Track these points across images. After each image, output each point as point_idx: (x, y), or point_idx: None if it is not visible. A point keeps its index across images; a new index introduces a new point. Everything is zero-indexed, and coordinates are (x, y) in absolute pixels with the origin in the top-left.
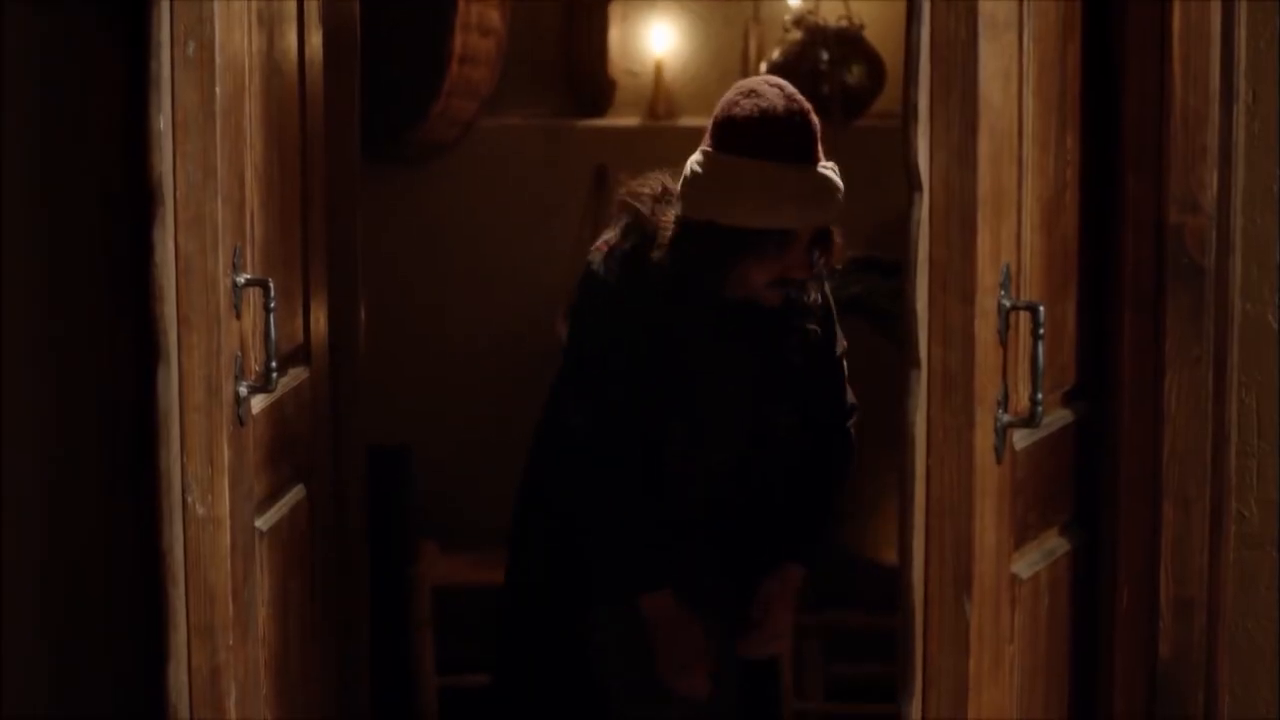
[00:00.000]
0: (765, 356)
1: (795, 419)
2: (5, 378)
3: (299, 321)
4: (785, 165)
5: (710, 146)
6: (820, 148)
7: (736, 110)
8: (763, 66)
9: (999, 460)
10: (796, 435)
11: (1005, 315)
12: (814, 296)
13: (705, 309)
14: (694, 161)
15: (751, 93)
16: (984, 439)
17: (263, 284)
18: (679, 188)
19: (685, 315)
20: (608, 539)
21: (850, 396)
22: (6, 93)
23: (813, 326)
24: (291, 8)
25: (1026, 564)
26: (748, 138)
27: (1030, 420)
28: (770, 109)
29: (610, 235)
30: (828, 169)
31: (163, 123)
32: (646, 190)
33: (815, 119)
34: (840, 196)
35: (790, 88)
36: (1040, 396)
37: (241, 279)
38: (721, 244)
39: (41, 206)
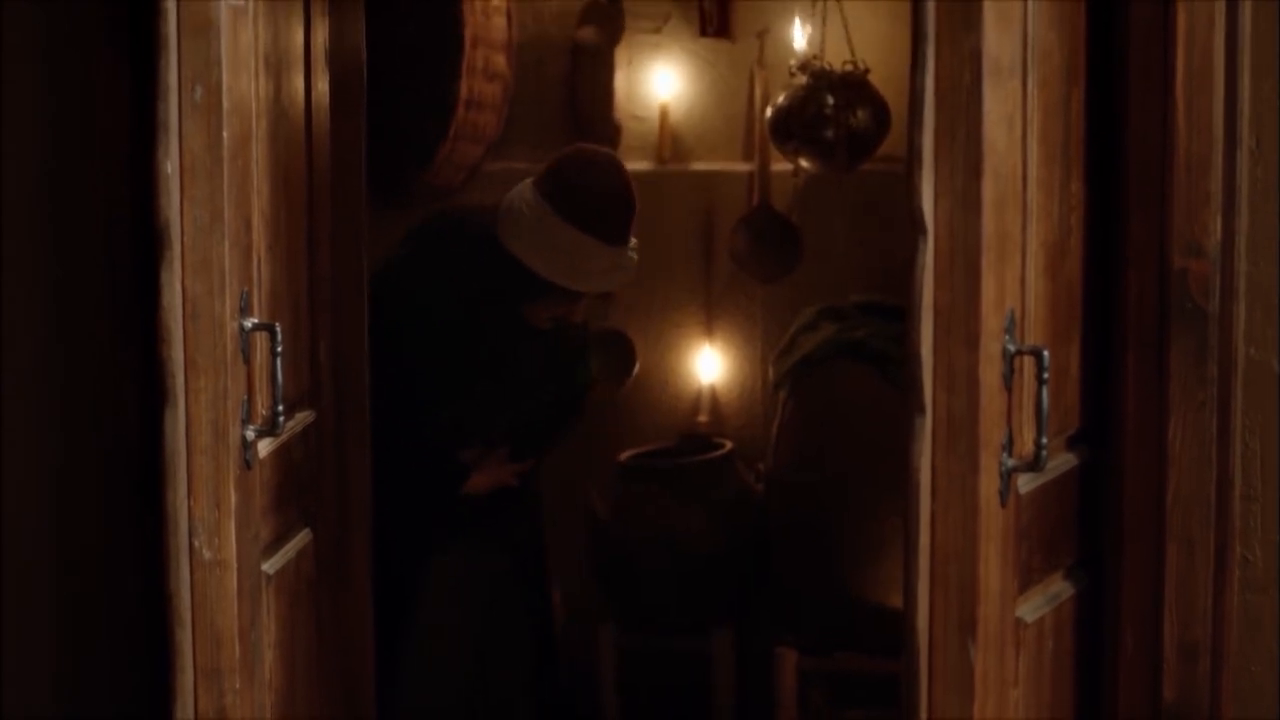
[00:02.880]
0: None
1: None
2: (12, 419)
3: (306, 365)
4: (603, 243)
5: (541, 194)
6: (633, 229)
7: (576, 179)
8: (768, 111)
9: (1003, 504)
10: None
11: (1009, 360)
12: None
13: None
14: (522, 200)
15: (593, 166)
16: (988, 483)
17: (269, 328)
18: (501, 214)
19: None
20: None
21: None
22: (15, 136)
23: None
24: (298, 52)
25: (1031, 608)
26: (578, 209)
27: (1034, 464)
28: (605, 192)
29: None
30: (633, 249)
31: (170, 167)
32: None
33: (637, 203)
34: (633, 271)
35: (624, 169)
36: (1045, 441)
37: (249, 323)
38: (522, 276)
39: (49, 249)
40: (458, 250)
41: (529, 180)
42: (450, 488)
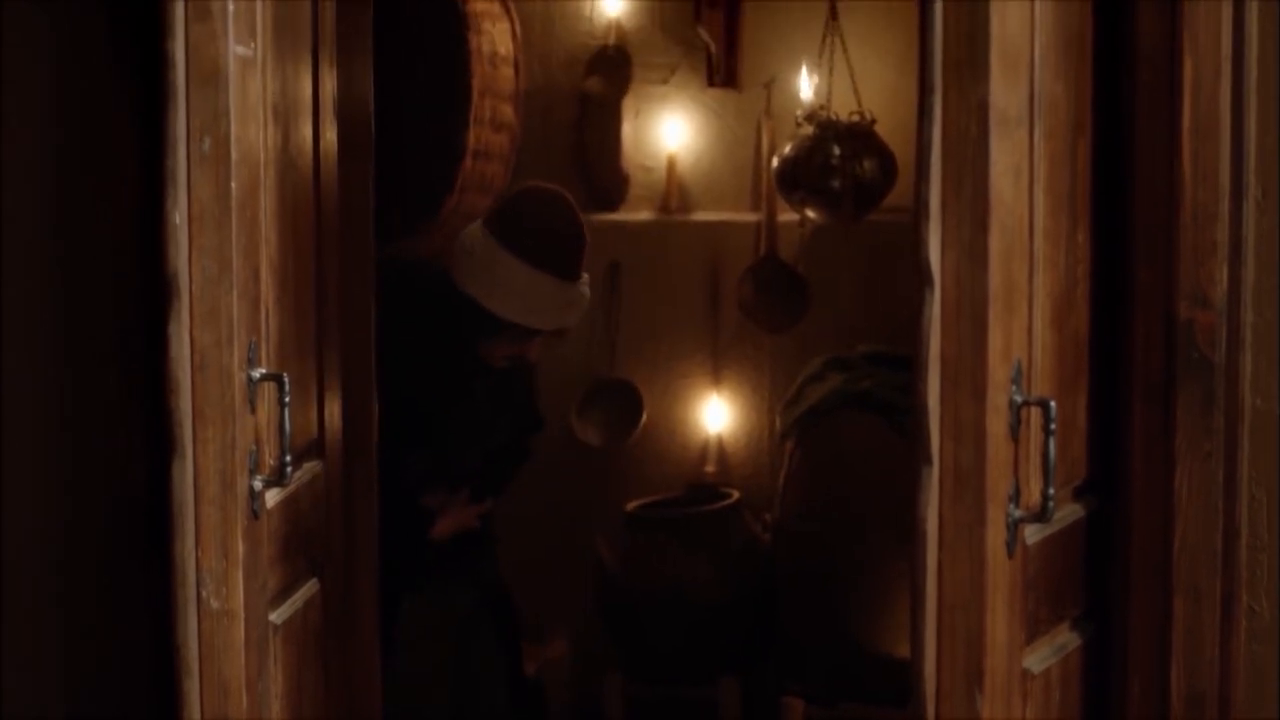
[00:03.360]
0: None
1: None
2: (20, 469)
3: (313, 415)
4: (556, 279)
5: (491, 233)
6: (584, 263)
7: (526, 216)
8: (775, 161)
9: (1010, 555)
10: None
11: (1016, 410)
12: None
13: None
14: (474, 240)
15: (542, 204)
16: (995, 534)
17: (277, 378)
18: (454, 255)
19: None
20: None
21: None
22: (24, 185)
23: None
24: (307, 102)
25: (1038, 658)
26: (529, 246)
27: (1041, 515)
28: (555, 228)
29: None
30: (584, 284)
31: (178, 217)
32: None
33: (588, 237)
34: (586, 306)
35: (574, 206)
36: (1051, 492)
37: (256, 373)
38: (477, 316)
39: (58, 298)
40: (410, 296)
41: (479, 220)
42: (417, 534)
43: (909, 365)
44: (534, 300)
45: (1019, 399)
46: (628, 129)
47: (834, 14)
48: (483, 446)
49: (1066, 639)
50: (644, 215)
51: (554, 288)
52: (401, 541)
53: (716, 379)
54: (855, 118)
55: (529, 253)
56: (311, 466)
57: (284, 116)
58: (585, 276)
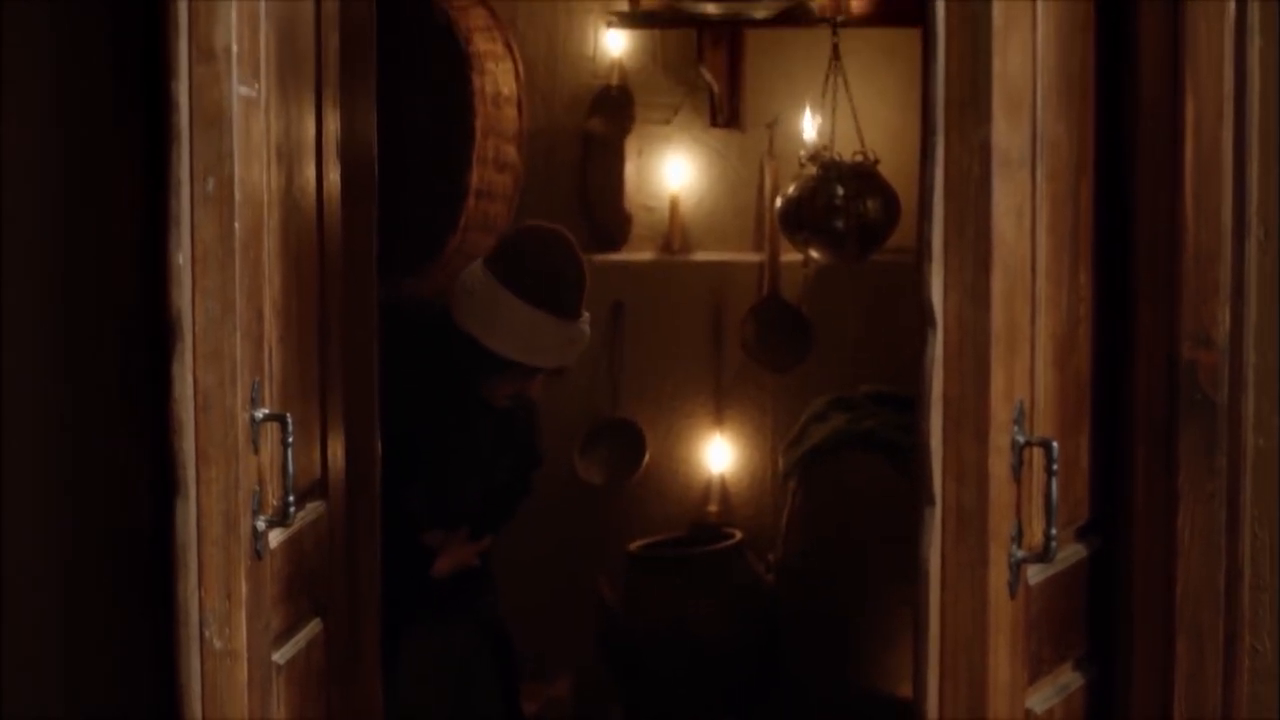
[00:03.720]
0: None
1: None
2: (23, 509)
3: (316, 455)
4: (556, 318)
5: (492, 272)
6: (584, 302)
7: (527, 256)
8: (778, 201)
9: (1013, 596)
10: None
11: (1019, 451)
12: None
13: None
14: (474, 279)
15: (542, 243)
16: (998, 575)
17: (281, 419)
18: (455, 295)
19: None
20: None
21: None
22: (26, 227)
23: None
24: (310, 143)
25: (1041, 699)
26: (529, 285)
27: (1044, 556)
28: (556, 267)
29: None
30: (584, 322)
31: (182, 258)
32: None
33: (587, 277)
34: (586, 344)
35: (574, 245)
36: (1054, 532)
37: (260, 414)
38: (478, 355)
39: (60, 339)
40: (414, 338)
41: (480, 260)
42: (417, 571)
43: (912, 405)
44: (534, 339)
45: (1021, 439)
46: (630, 169)
47: (836, 54)
48: (483, 484)
49: (1069, 679)
50: (647, 255)
51: (554, 326)
52: (401, 579)
53: (719, 419)
54: (858, 158)
55: (529, 292)
56: (315, 507)
57: (287, 157)
58: (586, 315)
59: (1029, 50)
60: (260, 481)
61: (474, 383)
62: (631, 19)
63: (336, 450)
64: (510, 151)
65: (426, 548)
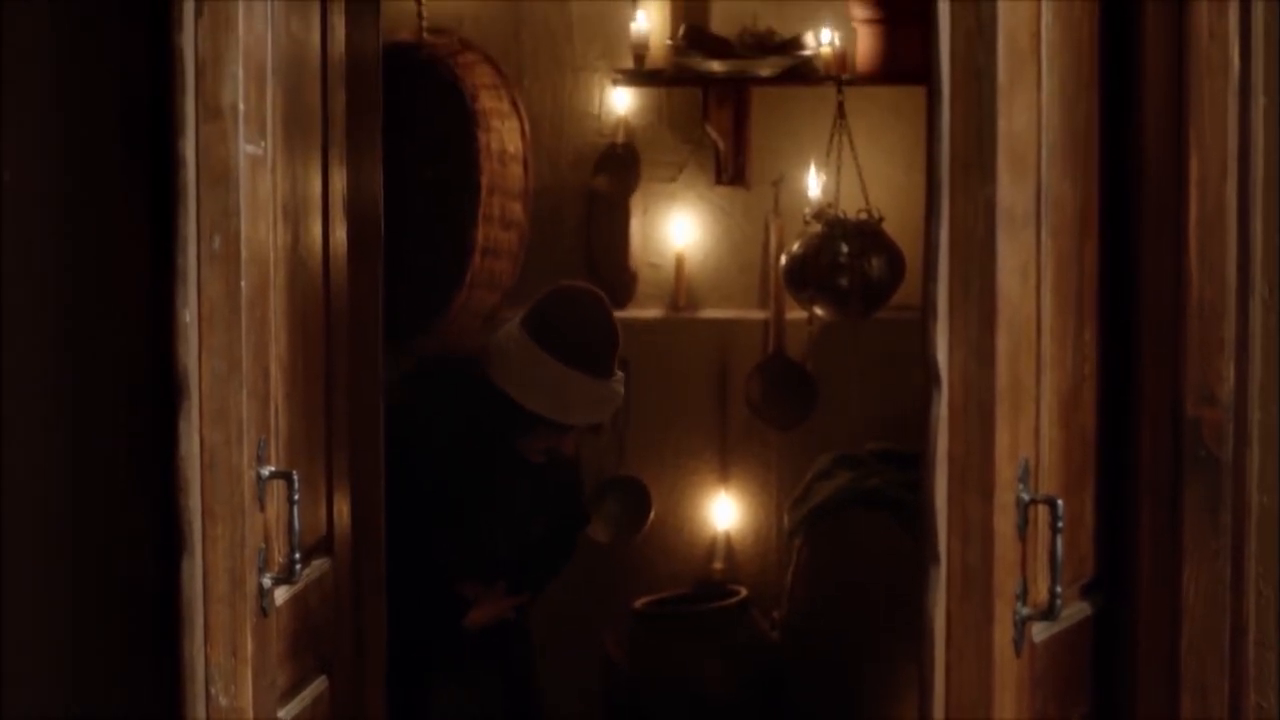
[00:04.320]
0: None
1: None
2: (27, 566)
3: (322, 512)
4: (587, 376)
5: (526, 331)
6: (617, 360)
7: (557, 316)
8: (783, 259)
9: (1018, 653)
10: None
11: (1024, 509)
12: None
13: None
14: (509, 337)
15: (575, 303)
16: (1003, 633)
17: (287, 476)
18: (490, 353)
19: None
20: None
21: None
22: (34, 283)
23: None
24: (317, 200)
25: None
26: (562, 345)
27: (1049, 613)
28: (586, 326)
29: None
30: (618, 381)
31: (188, 316)
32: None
33: (620, 335)
34: (620, 403)
35: (607, 305)
36: (1059, 590)
37: (266, 471)
38: (512, 412)
39: (68, 396)
40: (451, 394)
41: (517, 318)
42: (450, 622)
43: (917, 463)
44: (566, 396)
45: (1026, 497)
46: (636, 226)
47: (841, 112)
48: (519, 539)
49: None
50: (652, 313)
51: (585, 384)
52: (430, 627)
53: (724, 476)
54: (863, 215)
55: (560, 350)
56: (320, 564)
57: (294, 215)
58: (620, 374)
59: (1034, 108)
60: (266, 539)
61: (509, 439)
62: (637, 77)
63: (342, 508)
64: (516, 209)
65: (460, 598)
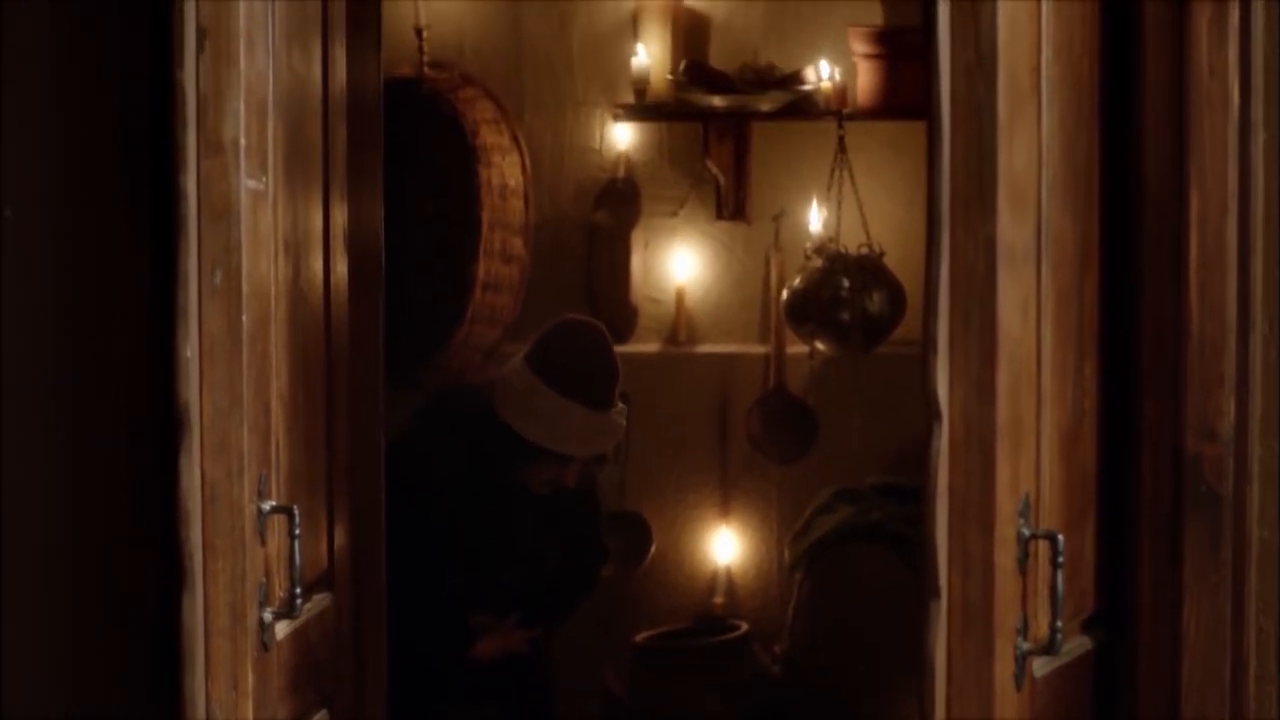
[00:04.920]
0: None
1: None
2: (28, 601)
3: (323, 546)
4: (586, 408)
5: (529, 365)
6: (617, 392)
7: (557, 349)
8: (784, 293)
9: (1019, 688)
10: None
11: (1024, 544)
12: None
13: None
14: (513, 371)
15: (576, 336)
16: (1004, 668)
17: (288, 511)
18: (496, 386)
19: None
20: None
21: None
22: (35, 319)
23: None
24: (318, 235)
25: None
26: (561, 376)
27: (1050, 648)
28: (586, 359)
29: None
30: (618, 412)
31: (189, 350)
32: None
33: (619, 368)
34: (621, 434)
35: (607, 338)
36: (1059, 624)
37: (267, 506)
38: (515, 443)
39: (68, 431)
40: (459, 426)
41: (522, 353)
42: (458, 652)
43: (918, 497)
44: (564, 428)
45: (1027, 532)
46: (637, 261)
47: (842, 147)
48: (528, 572)
49: None
50: (653, 347)
51: (584, 415)
52: (437, 660)
53: (725, 510)
54: (864, 250)
55: (558, 381)
56: (321, 598)
57: (295, 249)
58: (621, 406)
59: (1034, 145)
60: (267, 573)
61: (513, 470)
62: (638, 112)
63: (343, 542)
64: (517, 244)
65: (468, 629)
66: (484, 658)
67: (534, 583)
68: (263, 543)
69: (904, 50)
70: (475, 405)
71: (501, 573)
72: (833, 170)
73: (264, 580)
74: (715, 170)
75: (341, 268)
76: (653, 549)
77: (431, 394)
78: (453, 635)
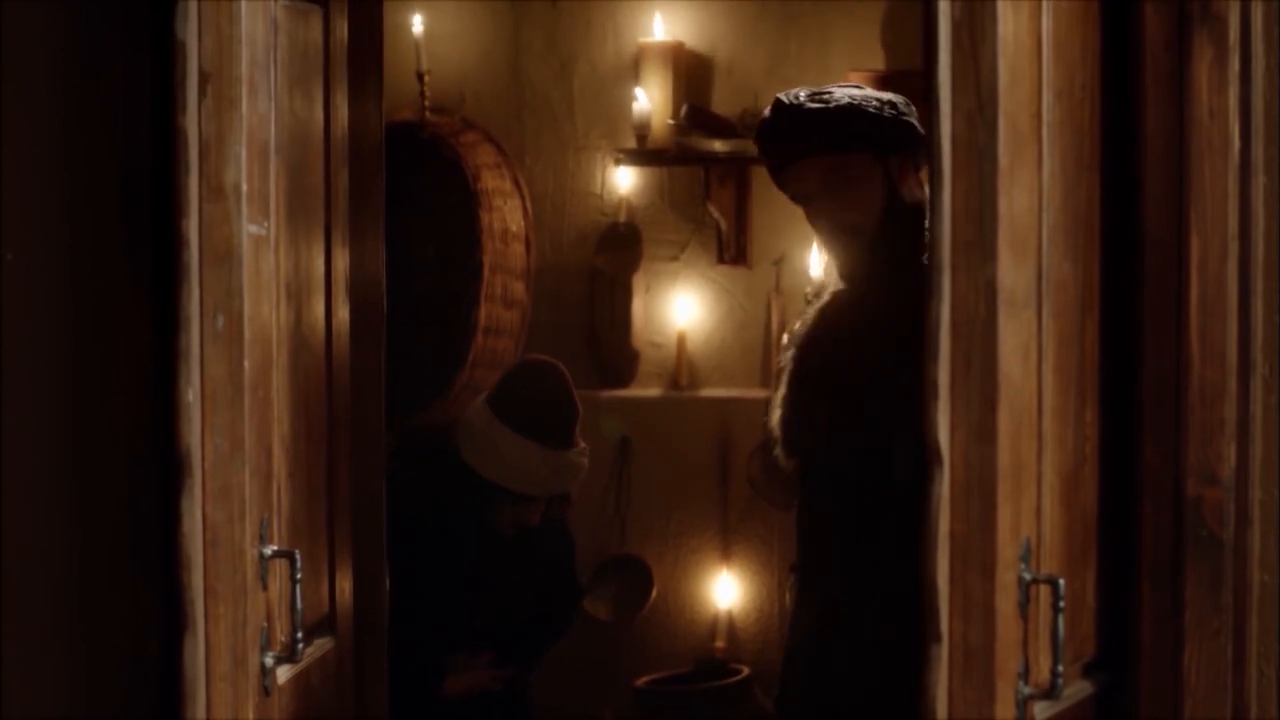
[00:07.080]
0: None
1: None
2: (30, 646)
3: (324, 591)
4: (546, 448)
5: (489, 405)
6: (578, 432)
7: (518, 389)
8: (784, 338)
9: None
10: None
11: (1025, 588)
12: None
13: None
14: (475, 411)
15: (535, 375)
16: (1005, 712)
17: (289, 555)
18: (460, 427)
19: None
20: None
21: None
22: (36, 363)
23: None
24: (319, 280)
25: None
26: (519, 416)
27: (1051, 693)
28: (545, 399)
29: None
30: (579, 452)
31: (191, 395)
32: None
33: (580, 408)
34: (583, 474)
35: (566, 378)
36: (1060, 669)
37: (268, 550)
38: (478, 485)
39: (70, 475)
40: (425, 465)
41: (485, 394)
42: (427, 689)
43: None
44: (524, 468)
45: (1028, 576)
46: (638, 305)
47: None
48: (501, 611)
49: None
50: (654, 391)
51: (541, 455)
52: (406, 697)
53: (726, 555)
54: None
55: (517, 422)
56: (323, 643)
57: (296, 294)
58: (582, 446)
59: (1035, 189)
60: (269, 617)
61: (477, 509)
62: (639, 156)
63: (345, 586)
64: (518, 288)
65: (435, 666)
66: (453, 695)
67: (506, 621)
68: (264, 587)
69: (905, 95)
70: (441, 445)
71: (471, 612)
72: None
73: (265, 624)
74: (716, 215)
75: (343, 312)
76: (654, 593)
77: (399, 434)
78: (421, 671)
